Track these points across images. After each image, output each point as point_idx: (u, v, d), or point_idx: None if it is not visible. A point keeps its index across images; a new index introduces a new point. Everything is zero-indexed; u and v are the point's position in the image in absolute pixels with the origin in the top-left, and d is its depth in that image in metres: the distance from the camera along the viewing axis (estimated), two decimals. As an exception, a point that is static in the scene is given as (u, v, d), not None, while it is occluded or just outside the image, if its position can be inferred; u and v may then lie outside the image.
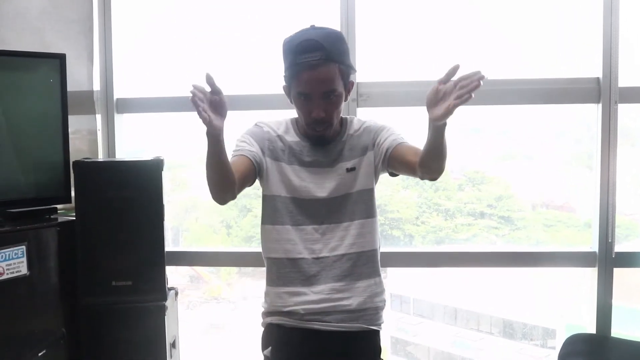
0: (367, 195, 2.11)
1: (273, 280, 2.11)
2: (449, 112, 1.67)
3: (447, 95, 1.69)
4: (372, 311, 2.10)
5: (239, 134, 2.13)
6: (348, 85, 2.03)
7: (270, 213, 2.11)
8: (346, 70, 1.99)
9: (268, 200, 2.12)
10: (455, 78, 1.70)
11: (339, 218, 2.07)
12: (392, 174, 2.14)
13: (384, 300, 2.16)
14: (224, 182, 1.87)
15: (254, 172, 2.05)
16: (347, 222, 2.07)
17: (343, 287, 2.05)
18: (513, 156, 4.18)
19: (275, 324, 2.07)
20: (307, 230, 2.07)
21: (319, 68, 1.92)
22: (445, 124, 1.74)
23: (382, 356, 2.17)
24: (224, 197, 1.92)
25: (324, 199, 2.07)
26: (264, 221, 2.14)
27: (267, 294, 2.15)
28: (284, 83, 2.05)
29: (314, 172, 2.09)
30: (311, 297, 2.03)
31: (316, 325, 2.03)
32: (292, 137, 2.12)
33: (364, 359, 2.11)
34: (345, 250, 2.06)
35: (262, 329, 2.15)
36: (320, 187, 2.07)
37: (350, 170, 2.09)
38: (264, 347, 2.11)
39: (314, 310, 2.02)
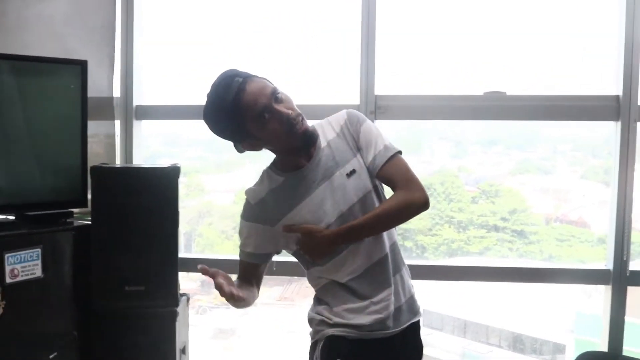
0: (376, 193, 2.05)
1: (328, 301, 2.07)
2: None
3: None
4: (413, 299, 2.11)
5: (239, 220, 2.10)
6: None
7: (307, 260, 2.08)
8: None
9: (297, 256, 2.11)
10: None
11: None
12: None
13: (413, 285, 2.16)
14: (251, 302, 2.02)
15: (269, 262, 2.14)
16: None
17: (391, 288, 2.03)
18: (528, 169, 4.17)
19: (339, 335, 2.02)
20: (343, 254, 2.00)
21: (248, 84, 1.87)
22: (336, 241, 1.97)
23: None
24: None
25: (342, 214, 1.98)
26: (307, 266, 2.10)
27: (323, 310, 2.08)
28: (239, 146, 1.99)
29: (315, 196, 2.00)
30: (372, 307, 2.00)
31: (379, 335, 2.01)
32: (275, 182, 2.03)
33: (416, 350, 2.15)
34: (381, 253, 2.02)
35: (319, 341, 2.07)
36: (331, 207, 1.98)
37: (351, 174, 2.00)
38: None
39: (379, 319, 2.01)
